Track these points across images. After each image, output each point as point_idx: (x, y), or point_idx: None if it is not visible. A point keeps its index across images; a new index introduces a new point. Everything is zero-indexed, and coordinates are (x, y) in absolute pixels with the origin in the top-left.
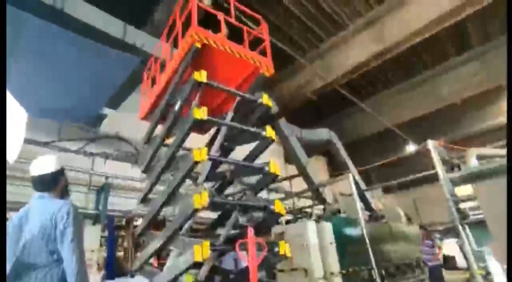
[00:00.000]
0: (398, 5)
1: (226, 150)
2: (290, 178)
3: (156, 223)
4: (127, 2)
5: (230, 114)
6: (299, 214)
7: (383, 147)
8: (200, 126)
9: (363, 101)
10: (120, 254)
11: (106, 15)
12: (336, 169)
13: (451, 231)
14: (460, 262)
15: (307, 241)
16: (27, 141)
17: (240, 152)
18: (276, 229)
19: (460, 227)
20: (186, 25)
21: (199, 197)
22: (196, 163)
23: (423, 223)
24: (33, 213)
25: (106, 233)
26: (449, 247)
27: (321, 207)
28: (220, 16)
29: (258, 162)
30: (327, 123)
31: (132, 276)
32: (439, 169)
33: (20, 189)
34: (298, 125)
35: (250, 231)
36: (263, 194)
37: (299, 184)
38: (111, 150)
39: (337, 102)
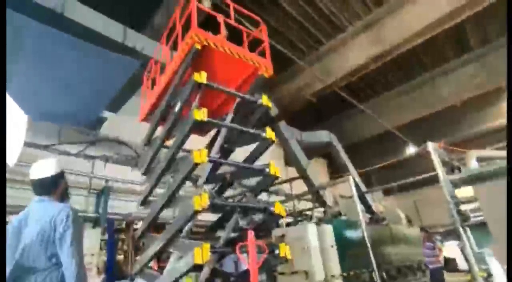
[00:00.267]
0: (397, 7)
1: (226, 152)
2: (290, 180)
3: (156, 226)
4: (127, 6)
5: (230, 116)
6: (299, 217)
7: (383, 149)
8: (200, 128)
9: (363, 104)
10: (120, 257)
11: (106, 19)
12: (336, 171)
13: (452, 233)
14: (461, 264)
15: (308, 243)
16: (27, 144)
17: (240, 154)
18: (276, 232)
19: (461, 229)
20: (186, 28)
21: (199, 198)
22: (196, 164)
23: (424, 225)
24: (33, 216)
25: (106, 236)
26: (450, 249)
27: (322, 209)
28: (220, 17)
29: (258, 163)
30: (327, 125)
31: (132, 279)
32: (439, 171)
33: (20, 192)
34: (298, 127)
35: (251, 234)
36: (264, 197)
37: (299, 187)
38: (111, 153)
39: (337, 104)
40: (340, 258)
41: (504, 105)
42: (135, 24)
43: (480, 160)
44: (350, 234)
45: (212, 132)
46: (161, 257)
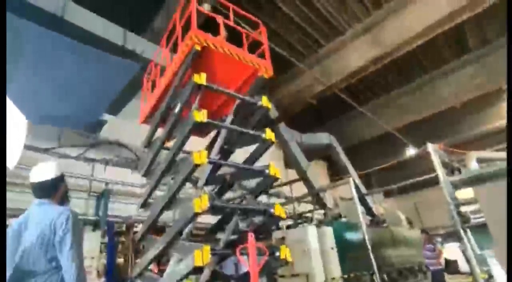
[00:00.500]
0: (396, 9)
1: (226, 153)
2: (290, 182)
3: (156, 228)
4: (127, 9)
5: (230, 117)
6: (299, 219)
7: (383, 150)
8: (200, 129)
9: (362, 105)
10: (120, 260)
11: (106, 22)
12: (336, 173)
13: (452, 235)
14: (463, 266)
15: (308, 246)
16: (27, 147)
17: (240, 155)
18: (276, 234)
19: (461, 231)
20: (186, 30)
21: (199, 200)
22: (196, 166)
23: (425, 227)
24: (33, 220)
25: (106, 239)
26: (451, 251)
27: (322, 211)
28: (219, 18)
29: (258, 164)
30: (327, 127)
31: None
32: (440, 172)
33: (20, 195)
34: (298, 129)
35: (251, 236)
36: (264, 199)
37: (300, 189)
38: (111, 155)
39: (337, 106)
40: (340, 260)
41: (504, 106)
42: (135, 28)
43: (480, 161)
44: (351, 236)
45: (212, 133)
46: (161, 260)
